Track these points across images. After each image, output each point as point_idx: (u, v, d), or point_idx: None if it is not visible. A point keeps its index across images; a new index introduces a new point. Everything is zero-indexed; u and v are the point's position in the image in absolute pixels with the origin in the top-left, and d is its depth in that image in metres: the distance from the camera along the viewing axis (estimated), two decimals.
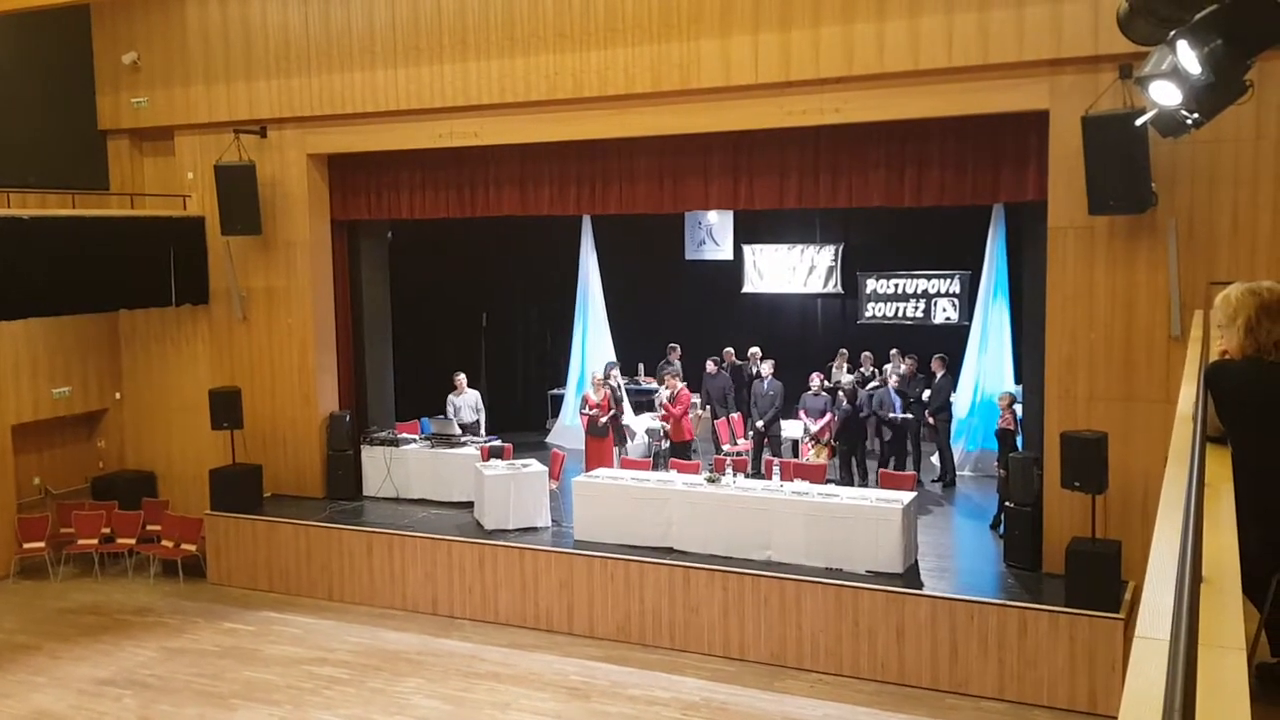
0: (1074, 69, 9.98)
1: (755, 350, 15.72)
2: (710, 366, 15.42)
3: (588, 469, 13.22)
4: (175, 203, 14.42)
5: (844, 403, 13.80)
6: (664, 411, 14.42)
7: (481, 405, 15.01)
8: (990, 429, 13.53)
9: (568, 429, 16.86)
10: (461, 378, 15.03)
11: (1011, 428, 12.51)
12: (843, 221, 17.34)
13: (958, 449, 14.75)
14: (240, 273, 14.22)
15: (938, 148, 11.08)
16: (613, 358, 17.02)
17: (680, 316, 17.80)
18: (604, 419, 14.05)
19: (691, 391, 14.96)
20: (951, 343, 15.32)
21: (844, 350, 16.37)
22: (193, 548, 13.71)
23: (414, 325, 16.12)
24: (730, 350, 16.04)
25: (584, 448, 14.33)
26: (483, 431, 14.71)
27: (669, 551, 11.45)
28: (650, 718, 9.81)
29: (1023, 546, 10.72)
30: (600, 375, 14.74)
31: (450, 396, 14.95)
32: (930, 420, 14.18)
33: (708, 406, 15.56)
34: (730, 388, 15.49)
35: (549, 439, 17.15)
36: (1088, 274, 10.22)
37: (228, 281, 14.24)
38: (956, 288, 16.64)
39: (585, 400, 14.40)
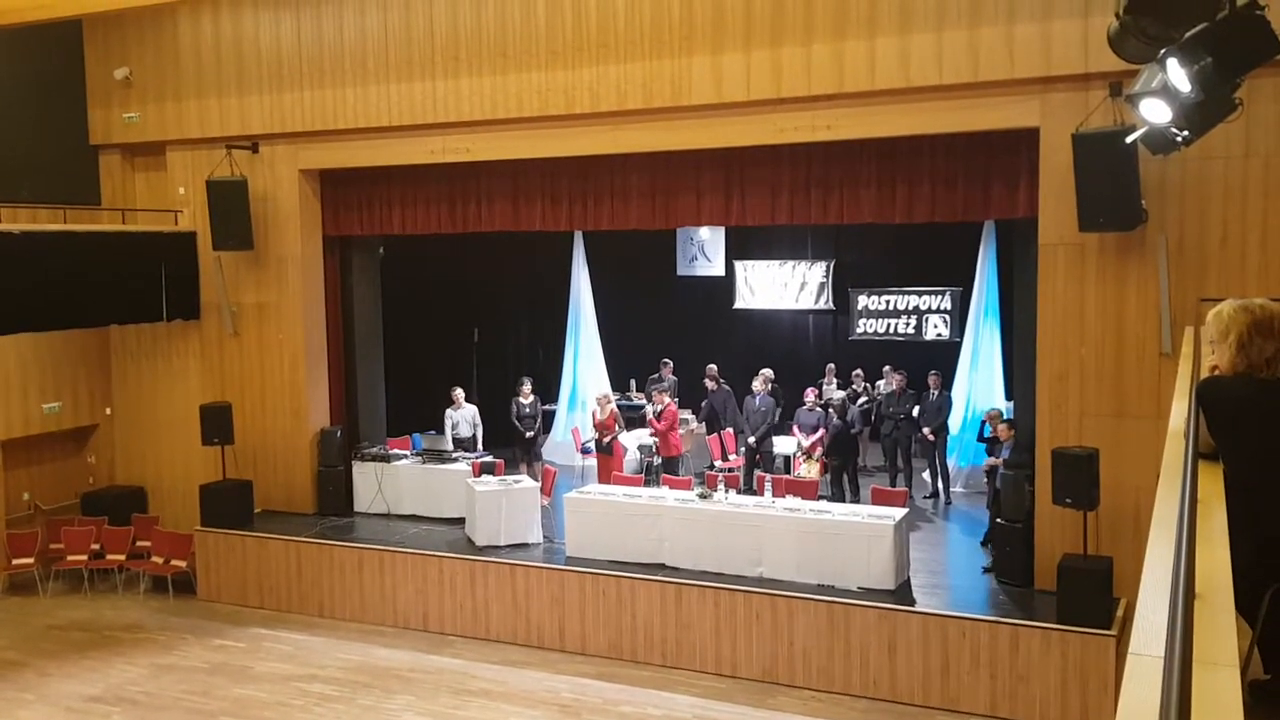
0: (1064, 86, 10.02)
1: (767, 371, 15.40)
2: (709, 384, 15.40)
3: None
4: (167, 218, 14.40)
5: (834, 418, 13.81)
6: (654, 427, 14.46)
7: (479, 420, 14.99)
8: (982, 445, 13.53)
9: (559, 445, 16.83)
10: (460, 393, 15.01)
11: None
12: (834, 238, 17.39)
13: (949, 465, 14.75)
14: (231, 288, 14.20)
15: (929, 165, 11.11)
16: (605, 373, 17.01)
17: (672, 332, 17.80)
18: (608, 438, 14.08)
19: (687, 407, 14.95)
20: (943, 359, 15.34)
21: (832, 365, 16.39)
22: (183, 564, 13.64)
23: (405, 340, 16.09)
24: (713, 367, 15.88)
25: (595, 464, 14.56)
26: (479, 446, 14.67)
27: (661, 568, 11.43)
28: None
29: (1014, 563, 10.71)
30: (604, 394, 14.77)
31: (448, 411, 14.91)
32: (930, 436, 14.19)
33: (703, 423, 15.51)
34: (726, 402, 15.42)
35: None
36: (1078, 290, 10.25)
37: (219, 297, 14.22)
38: (948, 304, 16.68)
39: (592, 418, 14.46)
